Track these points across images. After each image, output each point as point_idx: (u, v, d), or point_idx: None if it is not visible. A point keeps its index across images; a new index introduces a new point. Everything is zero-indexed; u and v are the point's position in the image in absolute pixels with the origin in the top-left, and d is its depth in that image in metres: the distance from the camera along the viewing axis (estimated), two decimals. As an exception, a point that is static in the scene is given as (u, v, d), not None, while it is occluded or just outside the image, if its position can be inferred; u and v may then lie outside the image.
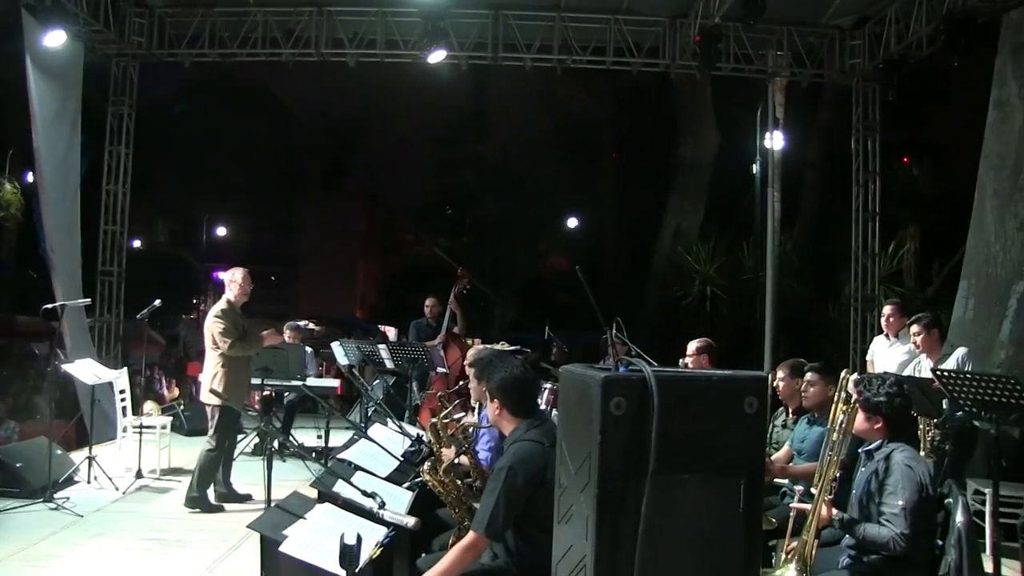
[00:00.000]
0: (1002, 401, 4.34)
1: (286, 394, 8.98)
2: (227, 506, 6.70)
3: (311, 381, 8.84)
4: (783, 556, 3.70)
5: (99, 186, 10.58)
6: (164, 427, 8.21)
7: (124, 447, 7.93)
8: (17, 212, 15.19)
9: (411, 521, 3.34)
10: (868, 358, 7.41)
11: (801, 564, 3.50)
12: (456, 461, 4.11)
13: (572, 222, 25.97)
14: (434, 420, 4.56)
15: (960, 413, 4.78)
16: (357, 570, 2.70)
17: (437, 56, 9.96)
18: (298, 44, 10.27)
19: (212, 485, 6.75)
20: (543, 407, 5.73)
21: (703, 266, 15.38)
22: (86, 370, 7.49)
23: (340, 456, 4.51)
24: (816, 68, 10.64)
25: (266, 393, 8.36)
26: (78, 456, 7.49)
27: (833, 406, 3.79)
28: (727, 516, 2.27)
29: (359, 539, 2.61)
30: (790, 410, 5.34)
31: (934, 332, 6.20)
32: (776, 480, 4.88)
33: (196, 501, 6.62)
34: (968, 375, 4.62)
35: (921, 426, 5.50)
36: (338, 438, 8.12)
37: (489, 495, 3.30)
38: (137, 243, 23.88)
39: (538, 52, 10.36)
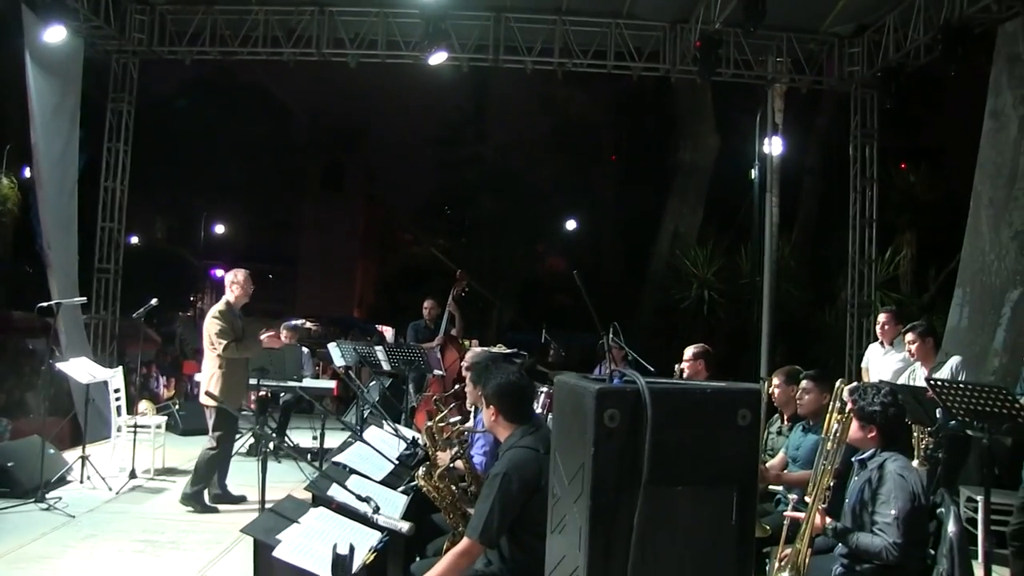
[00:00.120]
0: (994, 411, 4.35)
1: (282, 395, 8.97)
2: (221, 507, 6.68)
3: (308, 382, 8.84)
4: (777, 564, 3.71)
5: (97, 182, 10.58)
6: (159, 427, 8.18)
7: (118, 446, 7.90)
8: (14, 207, 15.15)
9: (405, 526, 3.35)
10: (863, 365, 7.44)
11: (794, 572, 3.52)
12: (451, 465, 4.12)
13: (571, 224, 25.96)
14: (430, 424, 4.58)
15: (953, 422, 4.79)
16: (350, 577, 2.70)
17: (438, 58, 9.96)
18: (299, 44, 10.28)
19: (208, 485, 6.75)
20: (539, 411, 5.75)
21: (701, 270, 15.39)
22: (81, 369, 7.47)
23: (335, 459, 4.51)
24: (815, 75, 10.69)
25: (262, 394, 8.36)
26: (71, 455, 7.48)
27: (828, 415, 3.80)
28: (720, 528, 2.27)
29: (351, 549, 2.61)
30: (785, 417, 5.35)
31: (929, 340, 6.23)
32: (771, 487, 4.90)
33: (190, 499, 6.62)
34: (961, 385, 4.63)
35: (915, 434, 5.52)
36: (334, 439, 8.13)
37: (484, 501, 3.31)
38: (135, 240, 23.86)
39: (539, 55, 10.39)
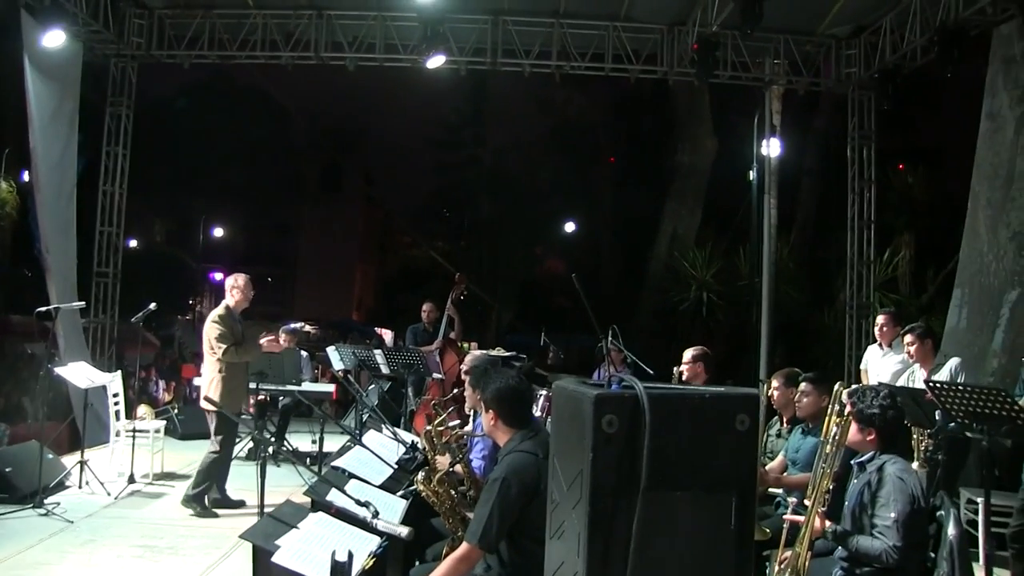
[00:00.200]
0: (993, 413, 4.36)
1: (281, 399, 8.97)
2: (220, 512, 6.68)
3: (307, 386, 8.85)
4: (776, 567, 3.72)
5: (96, 186, 10.57)
6: (158, 431, 8.18)
7: (117, 451, 7.89)
8: (12, 211, 15.14)
9: (404, 531, 3.35)
10: (862, 367, 7.44)
11: (794, 575, 3.52)
12: (450, 470, 4.12)
13: (569, 226, 25.99)
14: (429, 428, 4.58)
15: (953, 424, 4.79)
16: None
17: (436, 61, 9.97)
18: (297, 47, 10.29)
19: (211, 488, 6.75)
20: (538, 414, 5.74)
21: (699, 271, 15.39)
22: (79, 373, 7.47)
23: (334, 463, 4.51)
24: (813, 76, 10.70)
25: (261, 397, 8.35)
26: (70, 460, 7.45)
27: (826, 418, 3.80)
28: (718, 534, 2.28)
29: (350, 556, 2.61)
30: (784, 419, 5.35)
31: (927, 342, 6.24)
32: (770, 490, 4.90)
33: (192, 500, 6.63)
34: (960, 387, 4.64)
35: (915, 436, 5.52)
36: (333, 443, 8.13)
37: (483, 506, 3.31)
38: (133, 243, 23.84)
39: (537, 58, 10.39)
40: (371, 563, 3.10)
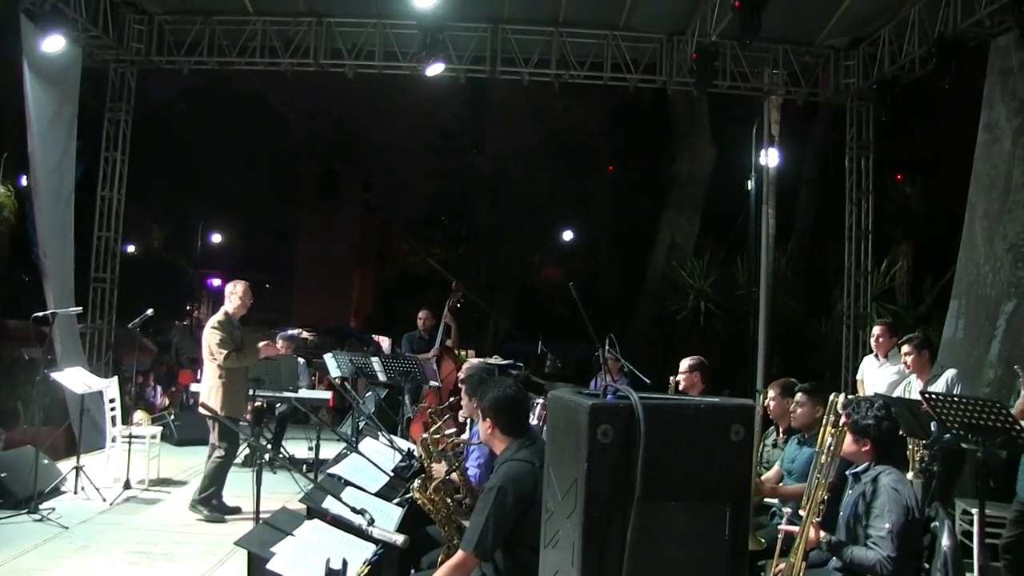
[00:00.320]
0: (988, 424, 4.37)
1: (278, 405, 8.96)
2: (204, 518, 6.68)
3: (303, 392, 8.83)
4: (771, 577, 3.71)
5: (94, 191, 10.56)
6: (154, 437, 8.16)
7: (113, 457, 7.87)
8: (10, 215, 15.14)
9: (400, 539, 3.35)
10: (858, 378, 7.45)
11: (789, 586, 3.52)
12: (446, 478, 4.12)
13: (567, 234, 26.01)
14: (425, 435, 4.58)
15: (948, 435, 4.80)
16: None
17: (435, 69, 9.98)
18: (297, 54, 10.28)
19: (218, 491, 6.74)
20: (535, 422, 5.75)
21: (697, 281, 15.41)
22: (76, 379, 7.45)
23: (330, 471, 4.51)
24: (811, 87, 10.72)
25: (257, 404, 8.34)
26: (65, 466, 7.43)
27: (821, 428, 3.81)
28: (713, 544, 2.28)
29: (344, 564, 2.61)
30: (781, 430, 5.36)
31: (924, 353, 6.24)
32: (766, 500, 4.90)
33: (199, 504, 6.66)
34: (956, 398, 4.65)
35: (910, 447, 5.52)
36: (329, 450, 8.12)
37: (479, 514, 3.31)
38: (131, 249, 23.85)
39: (536, 66, 10.40)
40: (366, 571, 3.10)
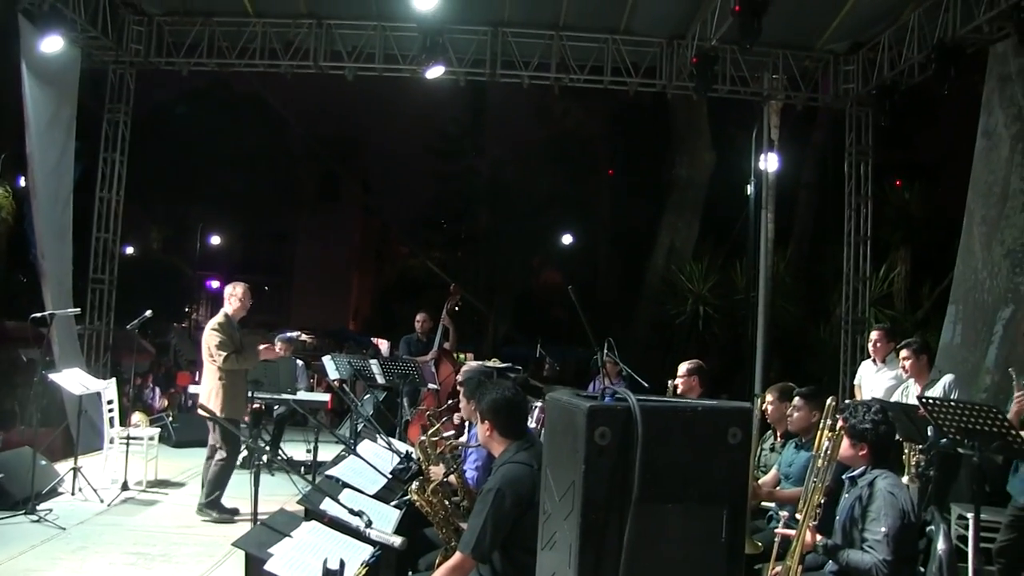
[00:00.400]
0: (984, 429, 4.37)
1: (276, 407, 8.96)
2: (220, 518, 6.69)
3: (302, 395, 8.82)
4: (768, 581, 3.72)
5: (93, 192, 10.55)
6: (152, 438, 8.16)
7: (110, 458, 7.86)
8: (8, 216, 15.14)
9: (398, 540, 3.35)
10: (855, 383, 7.45)
11: (785, 589, 3.52)
12: (444, 480, 4.13)
13: (566, 238, 26.00)
14: (423, 438, 4.58)
15: (944, 440, 4.81)
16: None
17: (435, 72, 9.99)
18: (296, 56, 10.27)
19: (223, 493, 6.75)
20: (533, 426, 5.75)
21: (696, 285, 15.42)
22: (73, 380, 7.45)
23: (328, 473, 4.51)
24: (811, 92, 10.73)
25: (256, 406, 8.34)
26: (63, 467, 7.43)
27: (818, 432, 3.81)
28: (709, 546, 2.29)
29: (342, 564, 2.61)
30: (778, 434, 5.37)
31: (923, 358, 6.24)
32: (763, 504, 4.91)
33: (206, 508, 6.68)
34: (952, 403, 4.66)
35: (906, 451, 5.53)
36: (327, 452, 8.11)
37: (477, 516, 3.31)
38: (130, 250, 23.84)
39: (536, 70, 10.41)
40: (364, 572, 3.10)
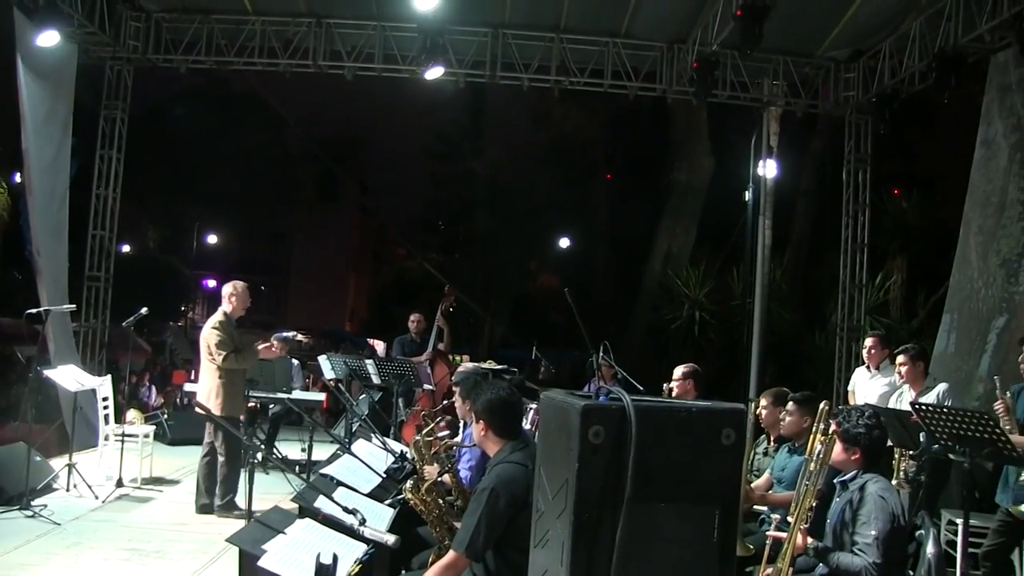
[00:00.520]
0: (975, 435, 4.40)
1: (271, 406, 8.96)
2: (207, 518, 6.68)
3: (297, 394, 8.83)
4: (759, 584, 3.73)
5: (89, 190, 10.52)
6: (147, 436, 8.16)
7: (105, 455, 7.87)
8: (3, 213, 15.14)
9: (391, 539, 3.36)
10: (849, 389, 7.48)
11: (777, 592, 3.54)
12: (438, 479, 4.14)
13: (564, 241, 25.99)
14: (417, 438, 4.60)
15: (936, 446, 4.83)
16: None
17: (435, 73, 9.99)
18: (296, 55, 10.25)
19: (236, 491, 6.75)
20: (528, 427, 5.76)
21: (693, 290, 15.45)
22: (69, 376, 7.45)
23: (323, 471, 4.52)
24: (811, 99, 10.75)
25: (251, 405, 8.35)
26: (58, 463, 7.44)
27: (811, 436, 3.83)
28: (701, 546, 2.30)
29: (335, 558, 2.62)
30: (772, 438, 5.38)
31: (919, 364, 6.25)
32: (755, 507, 4.92)
33: (223, 509, 6.69)
34: (944, 409, 4.68)
35: (896, 456, 5.55)
36: (322, 451, 8.11)
37: (471, 515, 3.32)
38: (126, 248, 23.80)
39: (536, 72, 10.42)
40: (357, 570, 3.11)
